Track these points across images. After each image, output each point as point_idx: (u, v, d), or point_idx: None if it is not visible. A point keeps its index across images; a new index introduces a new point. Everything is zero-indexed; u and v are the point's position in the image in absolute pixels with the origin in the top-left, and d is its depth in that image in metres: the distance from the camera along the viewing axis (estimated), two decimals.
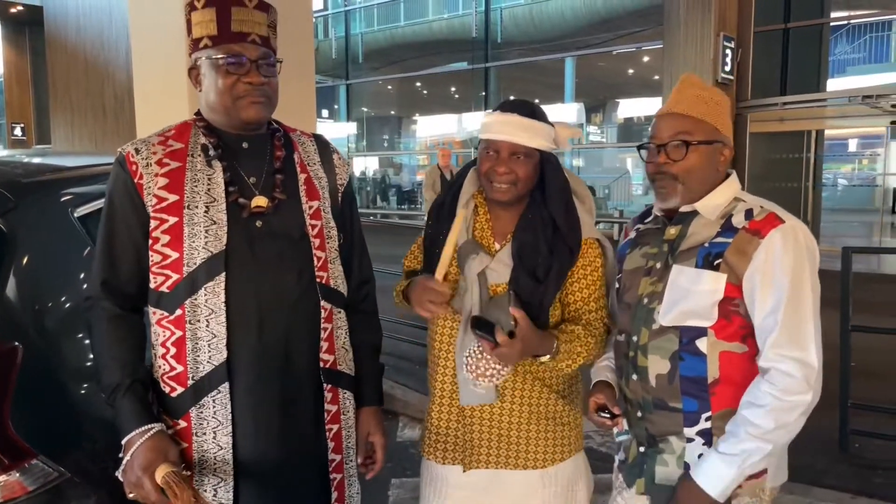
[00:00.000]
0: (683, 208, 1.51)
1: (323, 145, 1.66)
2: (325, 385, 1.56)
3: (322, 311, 1.53)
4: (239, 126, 1.49)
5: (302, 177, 1.56)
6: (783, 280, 1.36)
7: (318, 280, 1.53)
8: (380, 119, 28.50)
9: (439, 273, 1.58)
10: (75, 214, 1.71)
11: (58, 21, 16.60)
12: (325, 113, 23.74)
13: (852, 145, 20.75)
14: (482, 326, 1.53)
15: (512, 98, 1.68)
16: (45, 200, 1.70)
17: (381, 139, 28.54)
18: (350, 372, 1.63)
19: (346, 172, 1.67)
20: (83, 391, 1.60)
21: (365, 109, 25.41)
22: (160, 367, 1.46)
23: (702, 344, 1.43)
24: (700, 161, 1.48)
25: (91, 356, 1.51)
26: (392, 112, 28.44)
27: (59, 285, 1.62)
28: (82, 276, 1.62)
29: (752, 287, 1.40)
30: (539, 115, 1.64)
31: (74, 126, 16.40)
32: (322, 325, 1.54)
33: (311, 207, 1.54)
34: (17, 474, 1.35)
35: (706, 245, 1.45)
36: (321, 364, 1.55)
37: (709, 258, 1.43)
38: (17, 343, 1.47)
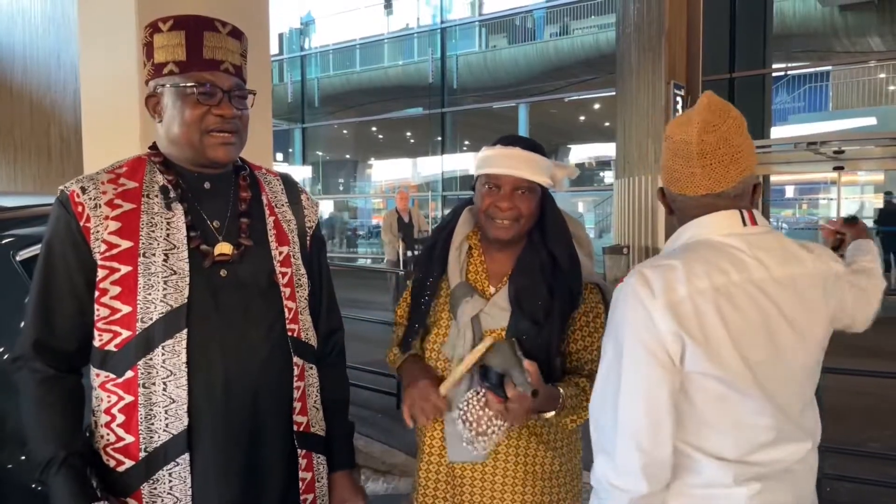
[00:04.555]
0: None
1: (290, 185, 1.52)
2: (299, 451, 1.40)
3: (294, 367, 1.39)
4: (203, 164, 1.34)
5: (270, 220, 1.42)
6: (605, 339, 1.21)
7: (289, 333, 1.37)
8: (335, 163, 28.42)
9: (444, 388, 1.47)
10: (17, 258, 1.56)
11: (3, 62, 16.25)
12: (279, 156, 23.58)
13: (803, 191, 21.57)
14: (490, 377, 1.37)
15: (509, 134, 1.61)
16: None
17: (336, 183, 28.43)
18: (322, 433, 1.48)
19: (316, 214, 1.54)
20: (15, 456, 1.43)
21: (320, 153, 25.34)
22: (104, 436, 1.27)
23: None
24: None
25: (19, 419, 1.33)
26: (348, 156, 28.41)
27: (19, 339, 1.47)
28: (23, 324, 1.47)
29: None
30: (540, 150, 1.56)
31: (17, 166, 15.91)
32: (294, 385, 1.39)
33: (280, 253, 1.40)
34: None
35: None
36: (295, 427, 1.39)
37: None
38: None
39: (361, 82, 20.99)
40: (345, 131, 24.76)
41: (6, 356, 1.50)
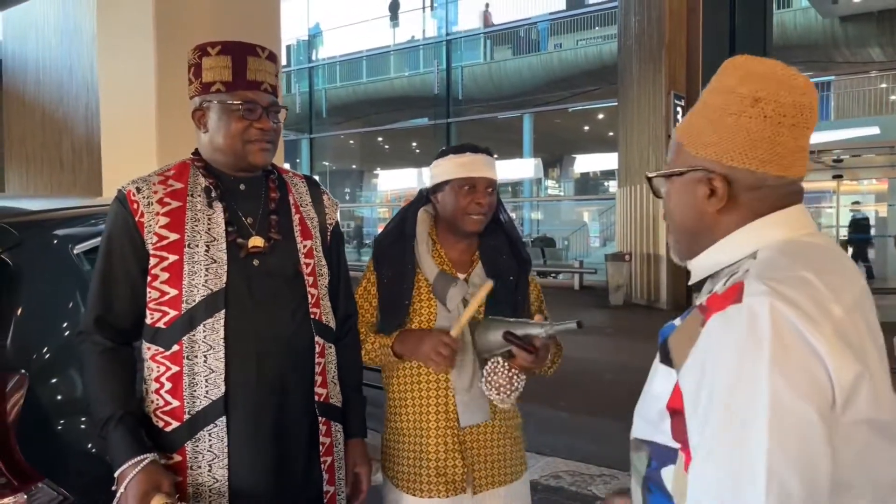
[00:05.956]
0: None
1: (313, 185, 1.72)
2: (320, 418, 1.59)
3: (316, 346, 1.58)
4: (243, 168, 1.54)
5: (296, 217, 1.61)
6: (716, 393, 0.83)
7: (312, 316, 1.57)
8: (342, 172, 28.71)
9: (455, 331, 1.69)
10: (75, 251, 1.77)
11: (16, 74, 16.49)
12: (287, 166, 23.77)
13: (810, 199, 21.69)
14: (517, 338, 1.61)
15: (461, 143, 1.89)
16: (47, 237, 1.75)
17: (343, 192, 28.70)
18: (339, 404, 1.67)
19: (335, 212, 1.73)
20: (79, 421, 1.63)
21: (327, 163, 25.61)
22: (153, 401, 1.47)
23: (667, 475, 0.95)
24: (674, 199, 1.04)
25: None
26: (354, 166, 28.70)
27: (62, 318, 1.67)
28: (82, 310, 1.67)
29: (684, 397, 0.90)
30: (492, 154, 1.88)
31: (29, 177, 16.15)
32: (316, 360, 1.58)
33: (304, 246, 1.59)
34: (25, 496, 1.38)
35: (665, 325, 1.02)
36: (316, 398, 1.58)
37: (664, 346, 0.97)
38: (24, 371, 1.51)
39: (368, 93, 21.26)
40: (351, 141, 25.03)
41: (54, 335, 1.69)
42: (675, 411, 0.90)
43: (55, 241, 1.75)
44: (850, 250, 14.55)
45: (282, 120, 1.58)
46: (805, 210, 0.97)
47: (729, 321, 0.84)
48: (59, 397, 1.60)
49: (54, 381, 1.60)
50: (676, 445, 0.92)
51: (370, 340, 1.83)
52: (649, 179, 1.08)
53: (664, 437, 0.94)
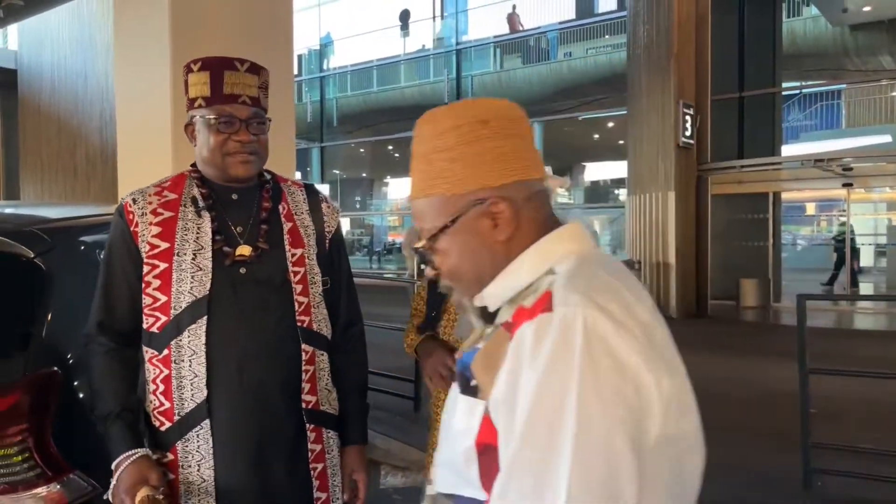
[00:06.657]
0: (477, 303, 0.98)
1: (312, 193, 1.75)
2: (308, 425, 1.61)
3: (303, 353, 1.60)
4: (229, 179, 1.59)
5: (287, 226, 1.64)
6: (524, 402, 0.77)
7: (299, 324, 1.60)
8: (352, 181, 28.84)
9: (460, 354, 1.73)
10: (101, 256, 1.85)
11: (32, 84, 16.71)
12: (298, 175, 23.93)
13: (822, 208, 21.61)
14: None
15: None
16: (75, 243, 1.84)
17: (353, 201, 28.83)
18: (334, 412, 1.69)
19: (335, 219, 1.76)
20: None
21: (337, 172, 25.74)
22: (151, 402, 1.55)
23: None
24: (457, 250, 0.95)
25: None
26: (364, 174, 28.82)
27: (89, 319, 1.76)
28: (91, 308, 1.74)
29: (498, 428, 0.81)
30: None
31: (44, 185, 16.35)
32: (303, 368, 1.60)
33: (294, 255, 1.62)
34: (58, 486, 1.46)
35: (466, 353, 0.95)
36: (303, 405, 1.61)
37: (464, 375, 0.91)
38: (56, 368, 1.60)
39: (378, 102, 21.39)
40: (361, 150, 25.16)
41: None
42: (487, 447, 0.81)
43: (83, 247, 1.83)
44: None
45: (267, 129, 1.62)
46: (583, 225, 0.95)
47: (539, 331, 0.78)
48: (88, 394, 1.69)
49: (84, 379, 1.69)
50: (472, 493, 0.84)
51: (410, 336, 1.96)
52: (422, 251, 0.98)
53: (472, 488, 0.84)
